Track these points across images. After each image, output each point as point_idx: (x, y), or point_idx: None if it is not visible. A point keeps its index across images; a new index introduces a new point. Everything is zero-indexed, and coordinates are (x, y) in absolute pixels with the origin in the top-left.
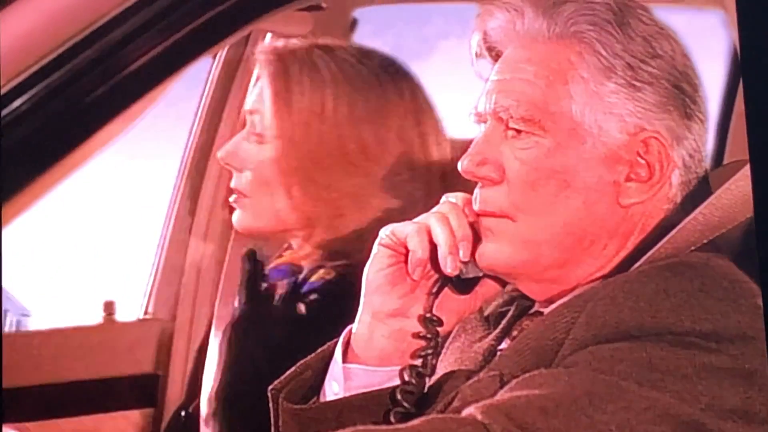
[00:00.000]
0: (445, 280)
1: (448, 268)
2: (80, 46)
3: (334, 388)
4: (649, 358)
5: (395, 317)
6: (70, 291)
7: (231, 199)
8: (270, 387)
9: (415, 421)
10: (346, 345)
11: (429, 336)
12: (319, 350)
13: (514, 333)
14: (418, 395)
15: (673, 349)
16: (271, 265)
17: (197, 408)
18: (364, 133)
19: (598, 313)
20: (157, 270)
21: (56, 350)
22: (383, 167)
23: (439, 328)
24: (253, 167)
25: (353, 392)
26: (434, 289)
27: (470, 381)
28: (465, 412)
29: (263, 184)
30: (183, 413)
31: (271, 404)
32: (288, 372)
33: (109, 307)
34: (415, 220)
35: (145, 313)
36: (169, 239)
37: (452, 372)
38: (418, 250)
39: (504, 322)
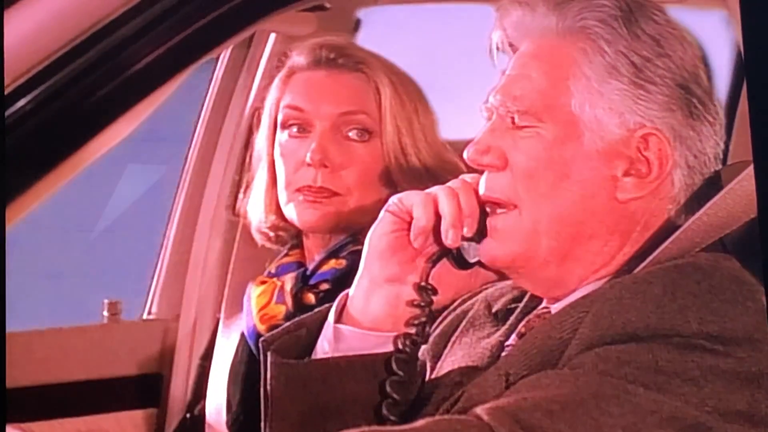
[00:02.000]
0: (444, 252)
1: (449, 239)
2: (84, 46)
3: (324, 347)
4: (656, 361)
5: (392, 283)
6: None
7: (302, 198)
8: (262, 338)
9: (420, 422)
10: (342, 307)
11: (423, 304)
12: (316, 310)
13: (522, 330)
14: (412, 364)
15: (680, 352)
16: (276, 263)
17: (202, 410)
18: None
19: (605, 314)
20: (161, 270)
21: (60, 350)
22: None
23: (434, 297)
24: (357, 164)
25: (342, 353)
26: (433, 258)
27: (476, 380)
28: (470, 414)
29: (369, 180)
30: (188, 415)
31: (260, 356)
32: (281, 326)
33: (113, 307)
34: (426, 191)
35: (149, 313)
36: (173, 239)
37: (459, 368)
38: (422, 218)
39: (512, 318)
